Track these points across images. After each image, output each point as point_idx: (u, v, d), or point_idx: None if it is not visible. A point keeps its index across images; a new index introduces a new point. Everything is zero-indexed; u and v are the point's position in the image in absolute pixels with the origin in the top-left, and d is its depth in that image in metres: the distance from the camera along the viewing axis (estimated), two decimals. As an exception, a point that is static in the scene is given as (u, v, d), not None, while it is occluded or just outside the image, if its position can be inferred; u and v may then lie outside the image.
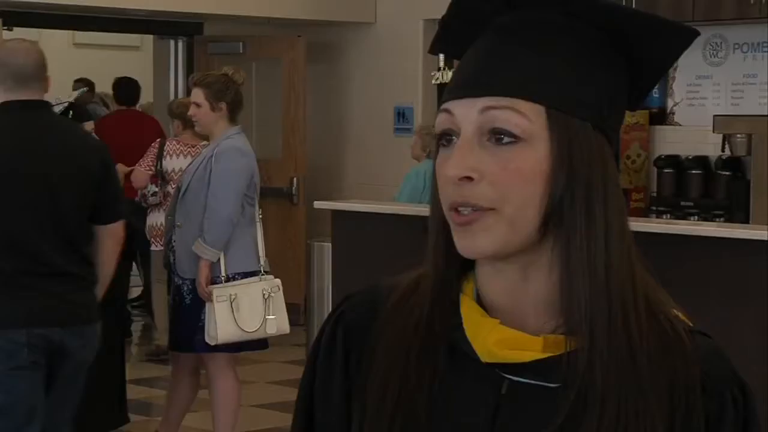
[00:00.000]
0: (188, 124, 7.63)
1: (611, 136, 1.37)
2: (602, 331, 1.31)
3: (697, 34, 1.39)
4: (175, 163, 7.98)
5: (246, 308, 5.75)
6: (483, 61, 1.35)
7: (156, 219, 7.98)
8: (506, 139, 1.31)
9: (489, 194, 1.31)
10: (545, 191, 1.32)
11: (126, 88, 9.86)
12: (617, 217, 1.34)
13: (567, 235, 1.33)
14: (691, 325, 1.39)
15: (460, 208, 1.32)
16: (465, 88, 1.35)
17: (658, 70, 1.43)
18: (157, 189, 8.05)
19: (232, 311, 5.71)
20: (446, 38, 1.45)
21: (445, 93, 1.39)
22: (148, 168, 8.07)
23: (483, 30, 1.39)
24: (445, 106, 1.36)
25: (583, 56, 1.35)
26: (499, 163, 1.31)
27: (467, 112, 1.33)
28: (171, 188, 7.58)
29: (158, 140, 8.31)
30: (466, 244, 1.33)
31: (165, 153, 8.03)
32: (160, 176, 8.02)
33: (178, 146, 8.06)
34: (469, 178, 1.31)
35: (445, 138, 1.35)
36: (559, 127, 1.32)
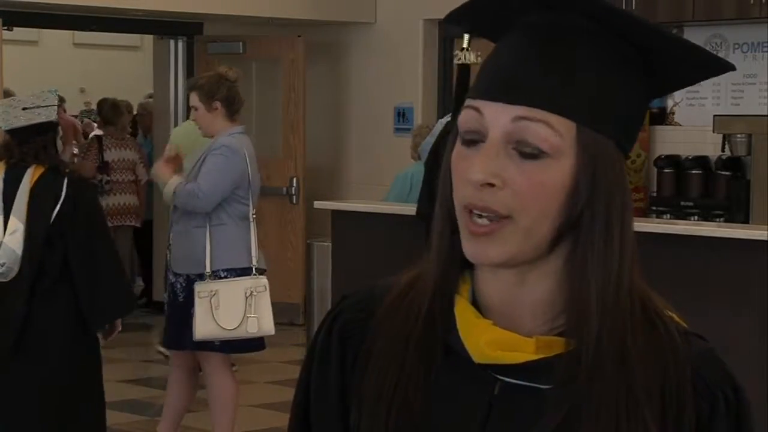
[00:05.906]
0: (107, 120, 9.90)
1: (628, 154, 1.36)
2: (596, 335, 1.31)
3: (732, 68, 1.37)
4: (115, 154, 9.76)
5: (226, 305, 5.69)
6: (517, 65, 1.32)
7: (109, 201, 9.61)
8: (533, 153, 1.30)
9: (509, 202, 1.30)
10: (564, 205, 1.31)
11: None
12: (629, 231, 1.34)
13: (584, 249, 1.32)
14: (685, 326, 1.38)
15: (476, 216, 1.31)
16: (500, 91, 1.32)
17: (674, 89, 1.43)
18: (109, 178, 9.77)
19: (211, 308, 5.67)
20: (471, 12, 1.40)
21: (473, 89, 1.35)
22: (93, 161, 9.66)
23: (510, 21, 1.36)
24: (475, 103, 1.33)
25: (615, 72, 1.33)
26: (523, 174, 1.30)
27: (499, 117, 1.31)
28: (118, 176, 9.79)
29: (94, 136, 9.97)
30: (477, 251, 1.32)
31: (105, 147, 9.68)
32: (103, 166, 9.66)
33: (111, 140, 9.88)
34: (491, 185, 1.30)
35: (469, 135, 1.32)
36: (587, 144, 1.31)
